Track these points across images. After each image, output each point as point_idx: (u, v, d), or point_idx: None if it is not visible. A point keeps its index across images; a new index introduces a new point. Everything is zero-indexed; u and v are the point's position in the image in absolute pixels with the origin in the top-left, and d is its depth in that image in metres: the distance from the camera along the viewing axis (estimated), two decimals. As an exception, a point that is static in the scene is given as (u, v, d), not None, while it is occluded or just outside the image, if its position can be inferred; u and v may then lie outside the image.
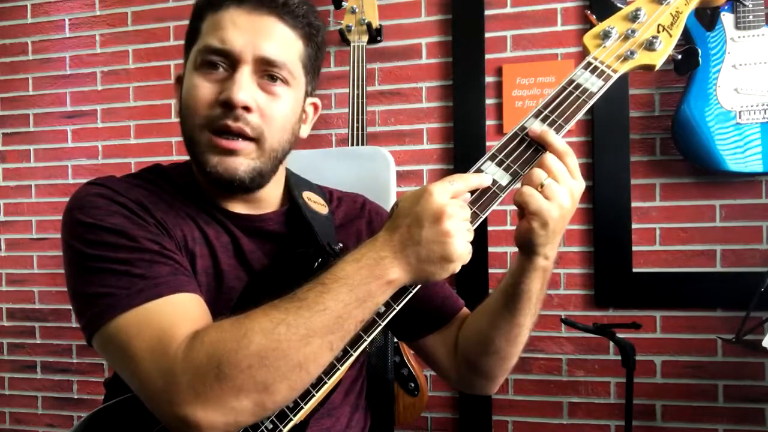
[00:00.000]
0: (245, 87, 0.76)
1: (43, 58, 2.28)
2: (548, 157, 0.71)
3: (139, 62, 2.20)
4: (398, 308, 0.70)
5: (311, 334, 0.65)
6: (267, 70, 0.79)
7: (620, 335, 1.53)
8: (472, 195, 0.71)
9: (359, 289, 0.66)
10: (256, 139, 0.79)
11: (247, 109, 0.77)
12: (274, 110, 0.80)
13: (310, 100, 0.90)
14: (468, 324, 0.91)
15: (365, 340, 0.70)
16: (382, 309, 0.70)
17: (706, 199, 1.78)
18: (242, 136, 0.78)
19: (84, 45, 2.25)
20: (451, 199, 0.67)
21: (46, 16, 2.29)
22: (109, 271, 0.71)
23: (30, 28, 2.30)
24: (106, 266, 0.72)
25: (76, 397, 2.25)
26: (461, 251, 0.66)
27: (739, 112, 1.65)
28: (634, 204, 1.82)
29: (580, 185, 0.73)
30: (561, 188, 0.70)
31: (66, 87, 2.26)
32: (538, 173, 0.70)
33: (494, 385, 0.91)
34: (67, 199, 0.80)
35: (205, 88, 0.78)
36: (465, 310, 0.96)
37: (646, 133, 1.82)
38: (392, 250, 0.67)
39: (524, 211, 0.71)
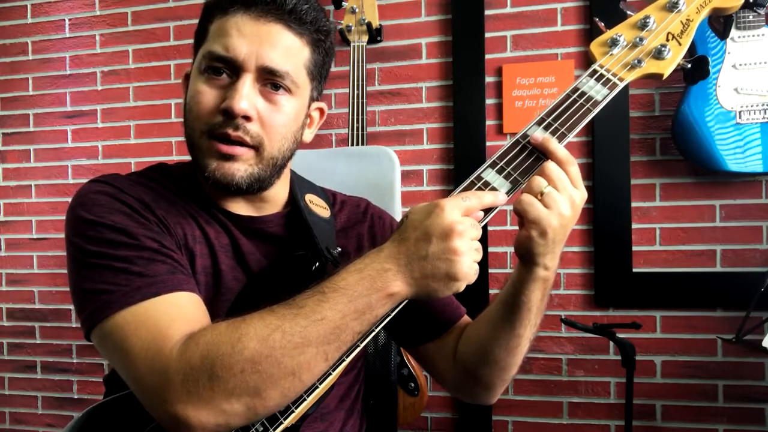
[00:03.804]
0: (246, 96, 0.76)
1: (43, 58, 2.28)
2: (549, 165, 0.70)
3: (139, 62, 2.20)
4: (391, 316, 0.70)
5: (306, 343, 0.64)
6: (270, 79, 0.79)
7: (620, 335, 1.53)
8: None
9: (359, 301, 0.65)
10: (256, 147, 0.79)
11: (247, 118, 0.77)
12: (275, 119, 0.80)
13: (315, 105, 0.90)
14: (468, 333, 0.90)
15: (358, 346, 0.70)
16: None
17: (706, 199, 1.78)
18: (242, 143, 0.78)
19: (84, 45, 2.25)
20: (463, 216, 0.67)
21: (46, 16, 2.29)
22: (109, 268, 0.72)
23: (30, 28, 2.30)
24: (106, 263, 0.72)
25: (76, 397, 2.25)
26: (467, 271, 0.66)
27: (739, 112, 1.65)
28: (634, 204, 1.82)
29: (581, 194, 0.72)
30: (561, 197, 0.69)
31: (66, 87, 2.26)
32: (538, 181, 0.69)
33: (493, 394, 0.90)
34: (67, 199, 0.81)
35: (207, 95, 0.78)
36: (466, 318, 0.95)
37: (646, 133, 1.82)
38: (396, 263, 0.66)
39: (523, 220, 0.70)
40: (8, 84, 2.31)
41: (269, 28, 0.78)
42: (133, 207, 0.77)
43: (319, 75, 0.87)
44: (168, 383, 0.64)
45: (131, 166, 2.18)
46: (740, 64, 1.64)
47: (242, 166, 0.79)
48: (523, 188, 0.71)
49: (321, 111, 0.92)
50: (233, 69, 0.78)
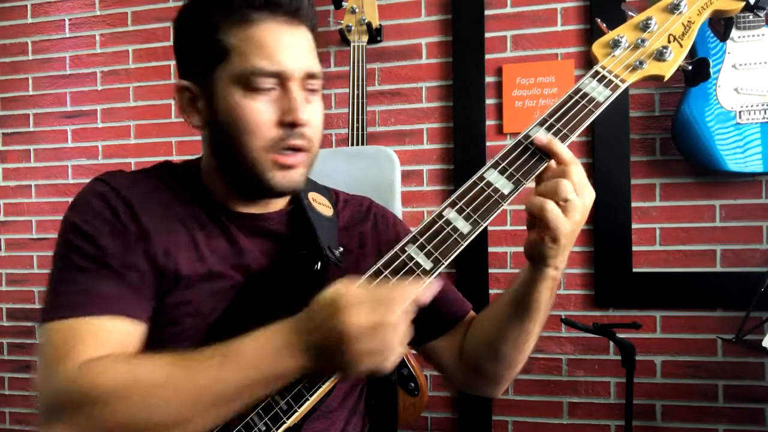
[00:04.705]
0: (302, 104, 0.78)
1: (43, 58, 2.28)
2: (572, 171, 0.71)
3: (139, 62, 2.20)
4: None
5: (195, 402, 0.65)
6: (309, 83, 0.80)
7: (620, 335, 1.53)
8: (474, 203, 0.71)
9: (255, 371, 0.65)
10: (309, 150, 0.81)
11: (305, 125, 0.79)
12: (318, 119, 0.82)
13: None
14: (474, 329, 0.90)
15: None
16: None
17: (706, 199, 1.78)
18: (301, 149, 0.80)
19: (84, 45, 2.25)
20: (374, 308, 0.63)
21: (46, 16, 2.29)
22: (65, 272, 0.75)
23: (30, 28, 2.30)
24: (65, 268, 0.75)
25: (76, 397, 2.25)
26: (364, 370, 0.64)
27: (739, 112, 1.65)
28: (634, 204, 1.82)
29: (590, 196, 0.73)
30: (578, 204, 0.70)
31: (66, 87, 2.26)
32: (565, 186, 0.69)
33: (500, 388, 0.92)
34: (67, 199, 0.81)
35: (264, 112, 0.77)
36: (472, 313, 0.95)
37: (646, 133, 1.82)
38: (296, 346, 0.65)
39: (538, 224, 0.70)
40: (8, 84, 2.31)
41: (299, 32, 0.79)
42: (117, 214, 0.77)
43: None
44: (49, 401, 0.67)
45: (131, 166, 2.18)
46: (740, 64, 1.64)
47: (300, 171, 0.81)
48: (540, 192, 0.71)
49: None
50: (280, 80, 0.78)
